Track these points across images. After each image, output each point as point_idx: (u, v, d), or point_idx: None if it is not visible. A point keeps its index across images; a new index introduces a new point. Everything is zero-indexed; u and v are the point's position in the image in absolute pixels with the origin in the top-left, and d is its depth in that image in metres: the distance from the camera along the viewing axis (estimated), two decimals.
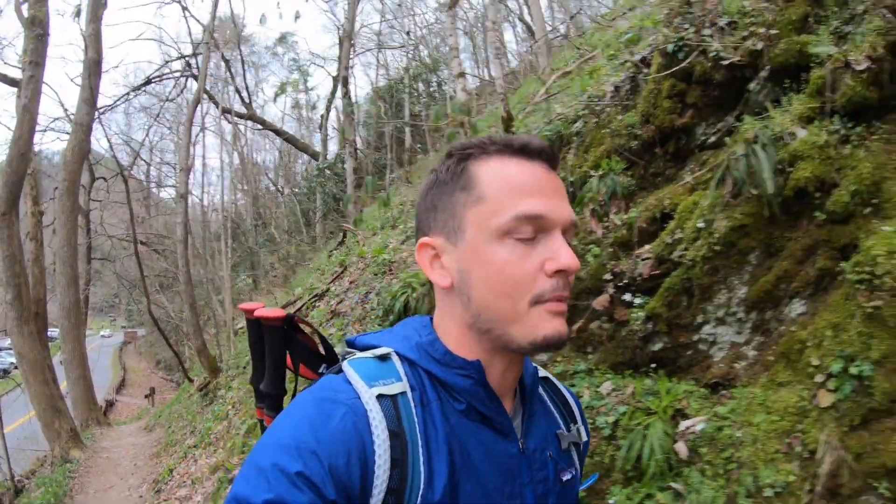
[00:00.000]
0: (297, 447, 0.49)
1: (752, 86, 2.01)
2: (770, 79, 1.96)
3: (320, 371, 0.70)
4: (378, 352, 0.59)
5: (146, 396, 14.42)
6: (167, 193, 24.78)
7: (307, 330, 0.72)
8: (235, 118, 15.01)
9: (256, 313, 0.72)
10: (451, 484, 0.53)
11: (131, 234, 12.91)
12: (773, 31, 1.92)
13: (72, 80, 15.20)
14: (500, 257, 0.54)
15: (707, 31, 2.04)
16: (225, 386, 6.68)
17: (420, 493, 0.52)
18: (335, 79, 13.40)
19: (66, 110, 13.90)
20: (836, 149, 1.66)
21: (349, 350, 0.63)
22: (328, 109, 15.19)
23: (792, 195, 1.72)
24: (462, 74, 5.79)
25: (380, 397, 0.53)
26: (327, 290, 5.05)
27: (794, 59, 1.87)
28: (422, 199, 0.62)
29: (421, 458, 0.53)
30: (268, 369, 0.73)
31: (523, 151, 0.57)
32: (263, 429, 0.74)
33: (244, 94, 15.12)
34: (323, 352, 0.71)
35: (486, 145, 0.58)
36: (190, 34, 14.28)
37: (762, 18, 1.97)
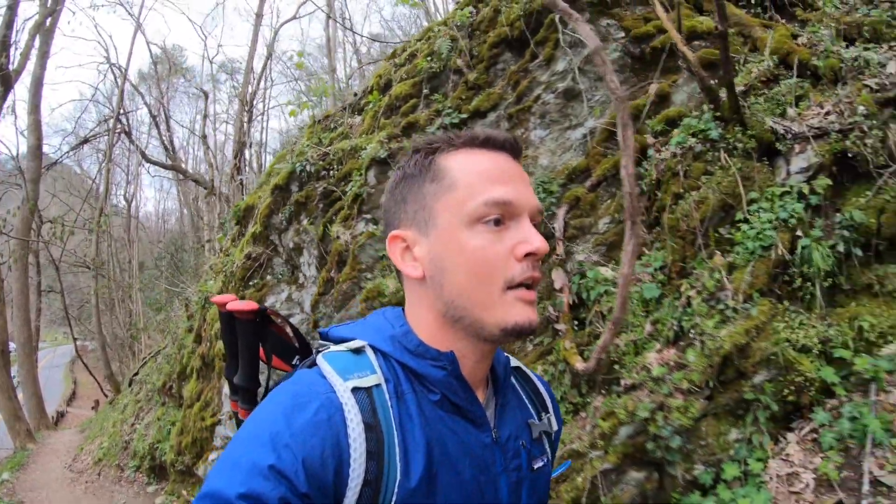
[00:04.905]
0: (270, 441, 0.59)
1: None
2: None
3: (294, 363, 0.87)
4: (352, 345, 0.72)
5: (93, 408, 20.30)
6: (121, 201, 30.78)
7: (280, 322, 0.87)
8: (159, 168, 20.70)
9: (229, 306, 0.88)
10: (428, 474, 0.65)
11: (81, 260, 18.85)
12: None
13: (20, 132, 20.79)
14: (473, 243, 0.68)
15: None
16: (121, 399, 12.43)
17: (397, 483, 0.63)
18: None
19: (20, 168, 19.57)
20: None
21: (323, 343, 0.76)
22: (239, 160, 20.70)
23: None
24: None
25: (355, 390, 0.66)
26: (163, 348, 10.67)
27: None
28: (390, 194, 0.77)
29: (397, 450, 0.64)
30: (241, 362, 0.89)
31: (488, 143, 0.73)
32: (238, 421, 0.92)
33: (168, 146, 20.73)
34: (296, 344, 0.89)
35: (452, 139, 0.74)
36: (122, 93, 19.73)
37: None
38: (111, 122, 18.35)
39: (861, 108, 3.46)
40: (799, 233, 3.06)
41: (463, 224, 0.69)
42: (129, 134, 20.66)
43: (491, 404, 0.77)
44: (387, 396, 0.68)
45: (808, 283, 3.01)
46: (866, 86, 3.72)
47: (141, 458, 8.45)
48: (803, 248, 2.97)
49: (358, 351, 0.72)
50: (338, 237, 4.71)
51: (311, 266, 5.43)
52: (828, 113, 3.66)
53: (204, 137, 17.48)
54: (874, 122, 3.51)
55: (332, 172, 5.13)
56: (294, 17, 19.44)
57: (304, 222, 5.35)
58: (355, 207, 4.72)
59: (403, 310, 0.78)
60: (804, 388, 2.77)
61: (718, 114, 3.53)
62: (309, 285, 5.58)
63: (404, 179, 0.75)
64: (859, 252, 3.18)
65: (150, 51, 19.99)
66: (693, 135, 3.42)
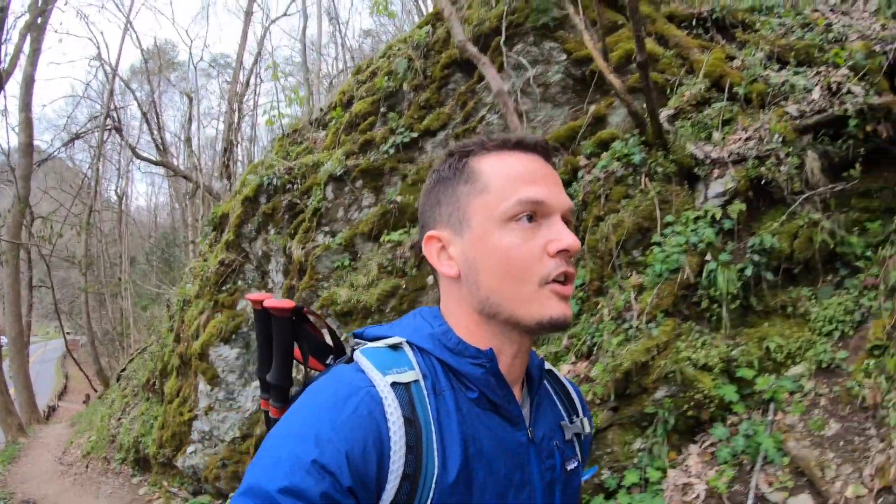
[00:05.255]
0: (313, 436, 0.61)
1: None
2: None
3: (327, 362, 0.88)
4: (390, 341, 0.75)
5: (84, 402, 20.61)
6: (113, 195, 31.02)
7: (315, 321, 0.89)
8: (150, 164, 20.85)
9: (265, 304, 0.89)
10: (465, 470, 0.67)
11: (72, 256, 19.08)
12: None
13: (13, 128, 20.92)
14: (506, 242, 0.70)
15: None
16: (109, 394, 12.73)
17: (434, 478, 0.65)
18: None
19: (11, 167, 19.75)
20: None
21: (358, 341, 0.79)
22: (228, 157, 20.87)
23: None
24: None
25: (394, 385, 0.68)
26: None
27: None
28: (425, 197, 0.80)
29: (435, 445, 0.66)
30: (275, 360, 0.90)
31: (520, 145, 0.75)
32: (268, 419, 0.93)
33: (159, 142, 20.87)
34: (330, 343, 0.90)
35: (485, 143, 0.76)
36: (112, 91, 19.83)
37: None
38: (101, 118, 18.45)
39: (776, 136, 3.68)
40: (708, 256, 3.29)
41: (495, 224, 0.71)
42: (119, 130, 20.83)
43: (526, 403, 0.79)
44: (425, 392, 0.69)
45: (715, 305, 3.24)
46: (787, 112, 3.93)
47: (126, 450, 8.74)
48: (710, 271, 3.21)
49: (395, 347, 0.74)
50: (291, 252, 4.94)
51: (279, 273, 5.68)
52: (748, 139, 3.88)
53: (188, 140, 17.61)
54: (791, 149, 3.72)
55: (296, 186, 5.36)
56: (285, 14, 19.48)
57: (272, 232, 5.59)
58: (315, 221, 4.96)
59: (439, 309, 0.79)
60: (704, 405, 3.01)
61: (644, 138, 3.76)
62: (277, 291, 5.82)
63: (439, 182, 0.78)
64: (770, 275, 3.39)
65: (140, 48, 20.11)
66: (618, 159, 3.65)
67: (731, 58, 4.58)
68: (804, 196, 3.60)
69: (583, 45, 4.52)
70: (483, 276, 0.72)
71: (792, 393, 3.13)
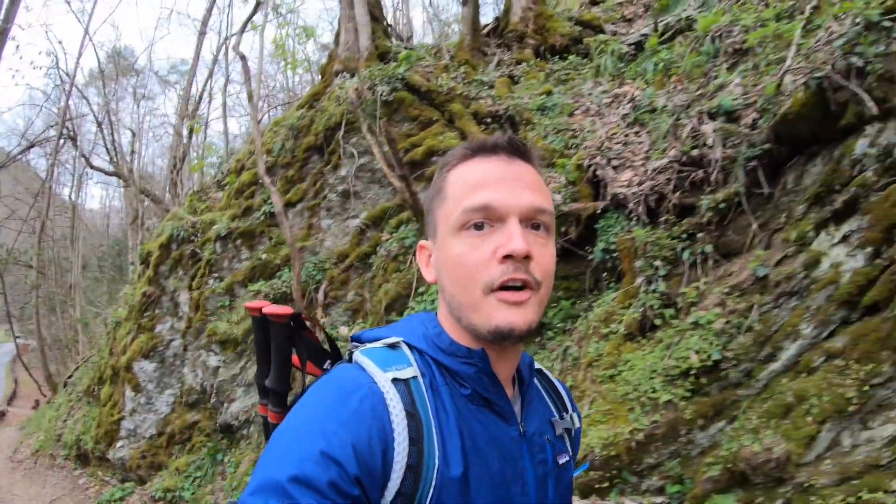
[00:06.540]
0: (319, 429, 0.65)
1: None
2: None
3: (325, 367, 0.93)
4: (388, 341, 0.80)
5: (33, 408, 21.51)
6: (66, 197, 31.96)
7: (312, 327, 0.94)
8: (103, 174, 22.16)
9: (264, 310, 0.94)
10: (464, 463, 0.71)
11: (20, 258, 20.28)
12: None
13: None
14: (457, 250, 0.75)
15: None
16: (57, 399, 14.31)
17: (436, 469, 0.69)
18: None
19: None
20: None
21: (356, 344, 0.83)
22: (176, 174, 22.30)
23: None
24: None
25: (394, 381, 0.72)
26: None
27: None
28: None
29: (435, 438, 0.71)
30: (273, 366, 0.95)
31: (481, 150, 0.79)
32: (266, 425, 0.97)
33: (112, 153, 22.16)
34: (328, 348, 0.94)
35: (456, 153, 0.81)
36: (67, 100, 20.98)
37: None
38: (56, 129, 19.63)
39: None
40: None
41: (450, 233, 0.76)
42: (74, 140, 21.96)
43: (517, 401, 0.85)
44: (423, 388, 0.74)
45: None
46: None
47: (70, 447, 10.40)
48: None
49: (394, 346, 0.79)
50: (182, 296, 6.71)
51: (186, 305, 7.45)
52: None
53: (131, 171, 19.04)
54: None
55: (198, 238, 7.13)
56: (242, 31, 20.92)
57: (180, 273, 7.36)
58: (207, 268, 6.74)
59: (435, 314, 0.85)
60: None
61: (420, 225, 5.61)
62: (185, 319, 7.61)
63: (427, 196, 0.86)
64: None
65: (97, 57, 21.01)
66: (399, 240, 5.51)
67: None
68: None
69: (403, 138, 6.34)
70: (445, 283, 0.79)
71: None
